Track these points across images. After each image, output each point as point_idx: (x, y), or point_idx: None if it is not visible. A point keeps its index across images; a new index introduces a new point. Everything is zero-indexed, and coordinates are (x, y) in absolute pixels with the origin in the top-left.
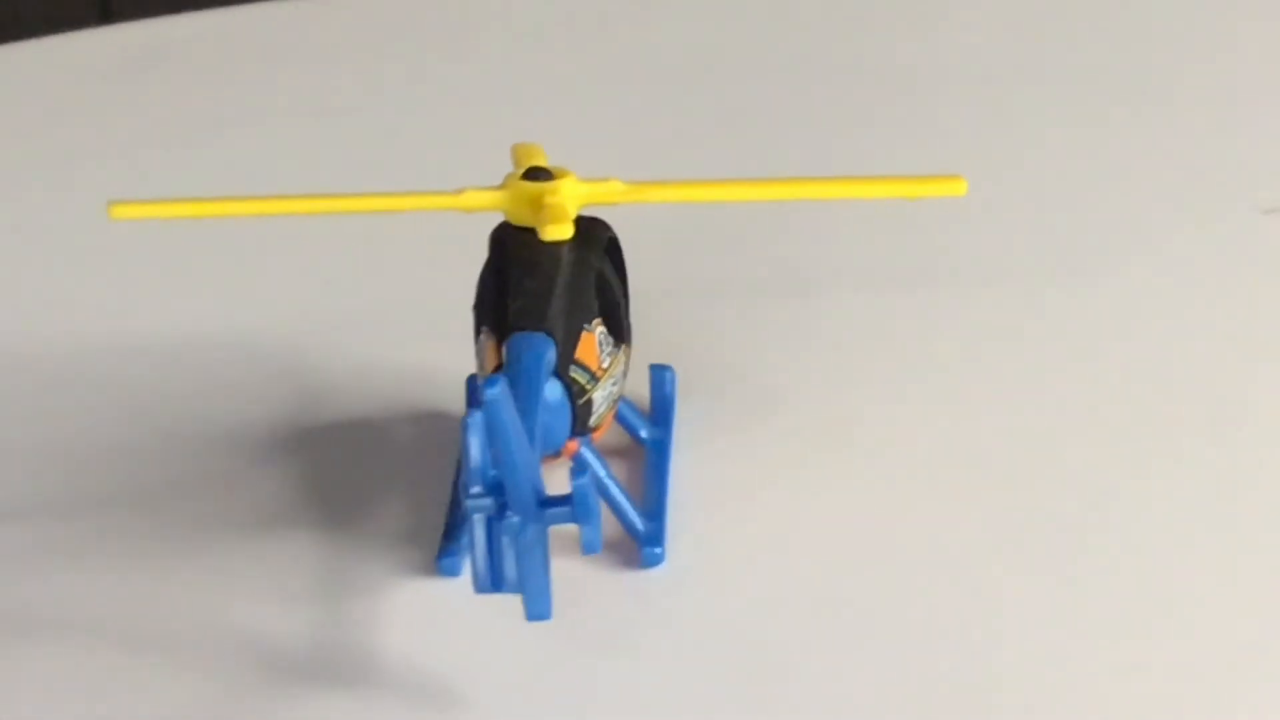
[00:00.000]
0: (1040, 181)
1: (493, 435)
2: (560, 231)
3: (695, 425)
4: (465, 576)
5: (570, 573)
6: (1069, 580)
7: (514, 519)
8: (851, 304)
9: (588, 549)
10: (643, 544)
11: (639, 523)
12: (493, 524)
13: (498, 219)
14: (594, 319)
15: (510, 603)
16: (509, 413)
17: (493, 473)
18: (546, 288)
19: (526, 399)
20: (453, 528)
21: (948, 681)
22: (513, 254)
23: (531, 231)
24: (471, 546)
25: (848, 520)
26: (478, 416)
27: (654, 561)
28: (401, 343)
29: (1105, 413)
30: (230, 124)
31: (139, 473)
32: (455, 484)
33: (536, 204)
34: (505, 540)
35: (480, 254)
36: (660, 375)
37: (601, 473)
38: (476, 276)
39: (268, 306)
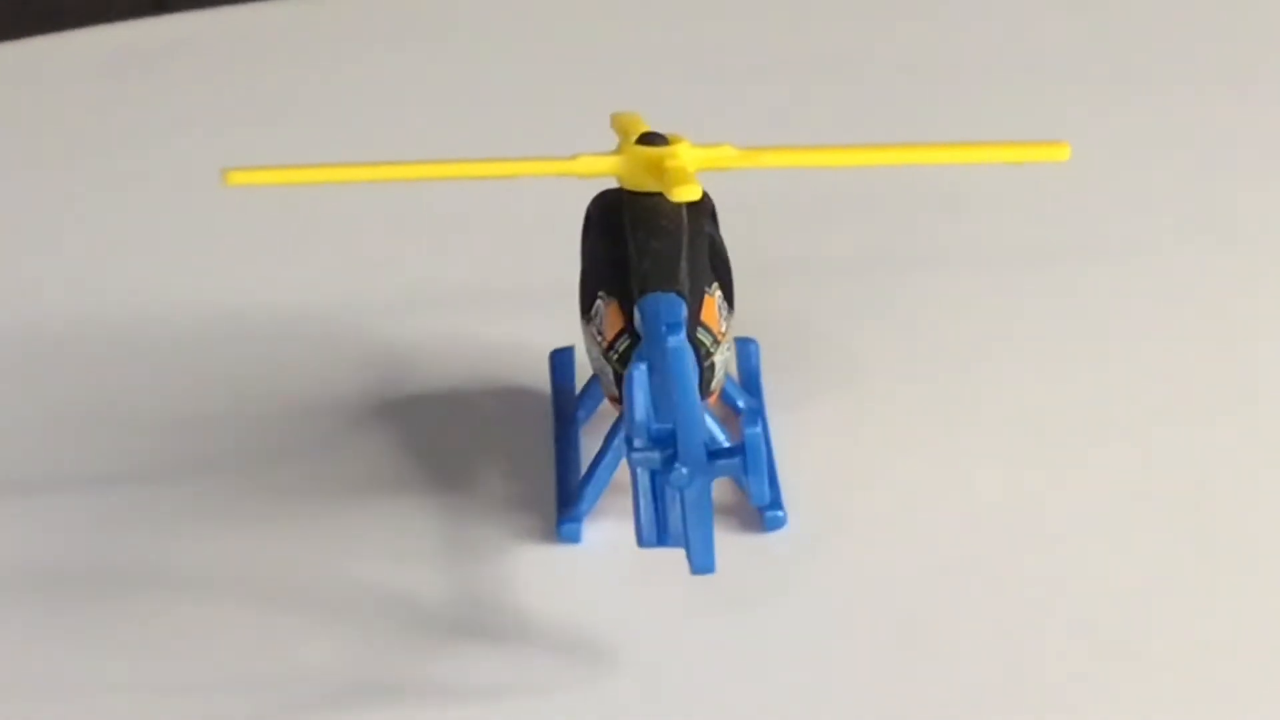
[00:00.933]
0: (1142, 154)
1: (671, 384)
2: (690, 193)
3: (780, 397)
4: (586, 542)
5: None
6: (1190, 533)
7: (682, 470)
8: (929, 281)
9: (756, 500)
10: (766, 508)
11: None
12: (657, 477)
13: (572, 193)
14: (713, 283)
15: (639, 566)
16: (689, 361)
17: (656, 426)
18: (674, 249)
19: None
20: (573, 494)
21: (1081, 639)
22: (632, 218)
23: (649, 196)
24: (636, 499)
25: (957, 482)
26: (643, 370)
27: (778, 524)
28: (482, 318)
29: (1207, 378)
30: (281, 111)
31: (250, 439)
32: (561, 447)
33: (656, 168)
34: (671, 493)
35: (560, 230)
36: (745, 348)
37: (721, 436)
38: (551, 253)
39: (353, 281)
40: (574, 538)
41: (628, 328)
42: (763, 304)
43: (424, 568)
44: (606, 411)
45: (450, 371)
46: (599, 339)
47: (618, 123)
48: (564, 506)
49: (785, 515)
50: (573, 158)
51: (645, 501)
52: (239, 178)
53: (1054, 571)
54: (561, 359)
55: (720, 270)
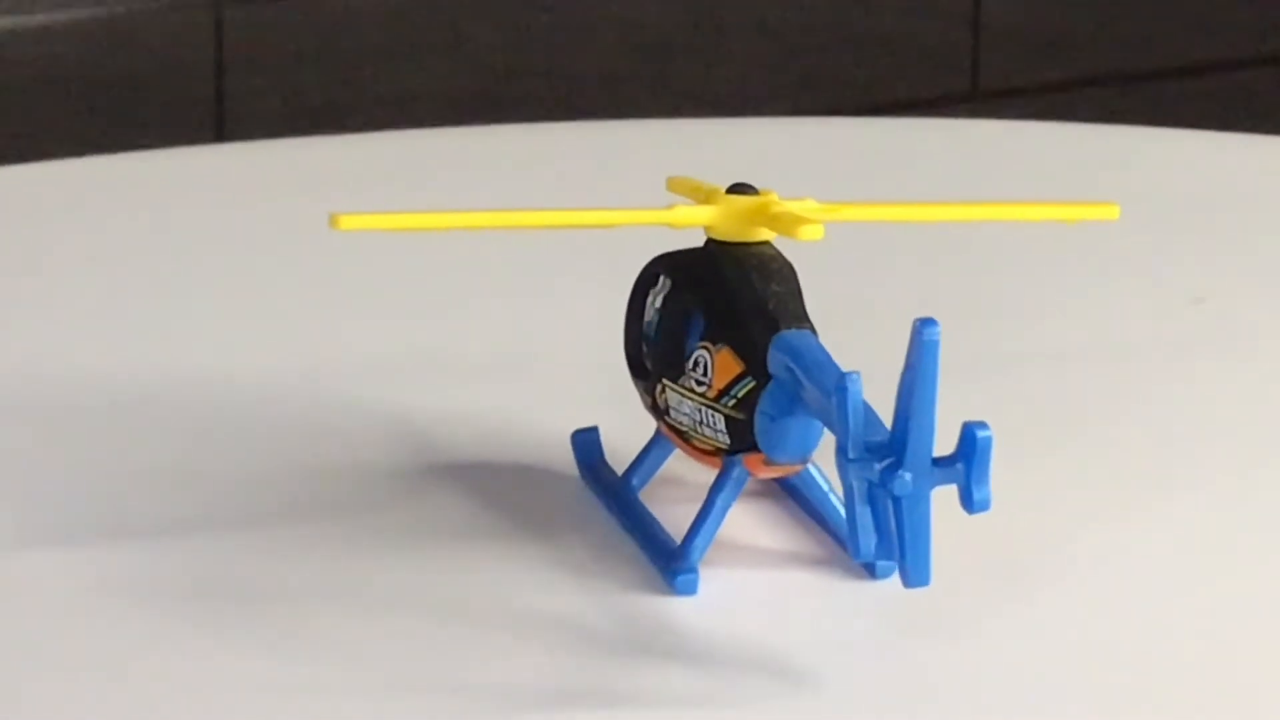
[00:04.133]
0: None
1: (917, 384)
2: (814, 232)
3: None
4: (702, 595)
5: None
6: None
7: (906, 476)
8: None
9: (979, 507)
10: (876, 557)
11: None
12: (874, 490)
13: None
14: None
15: (760, 610)
16: (938, 360)
17: (874, 439)
18: (795, 290)
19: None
20: (672, 549)
21: None
22: (740, 266)
23: (754, 244)
24: (851, 514)
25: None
26: (857, 379)
27: (888, 573)
28: (507, 389)
29: None
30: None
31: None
32: (630, 512)
33: (761, 215)
34: (890, 503)
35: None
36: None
37: (825, 487)
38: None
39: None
40: (691, 589)
41: (749, 370)
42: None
43: (548, 632)
44: (663, 476)
45: (462, 444)
46: (701, 389)
47: (678, 185)
48: (671, 561)
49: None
50: (669, 208)
51: (864, 515)
52: (348, 222)
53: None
54: (585, 438)
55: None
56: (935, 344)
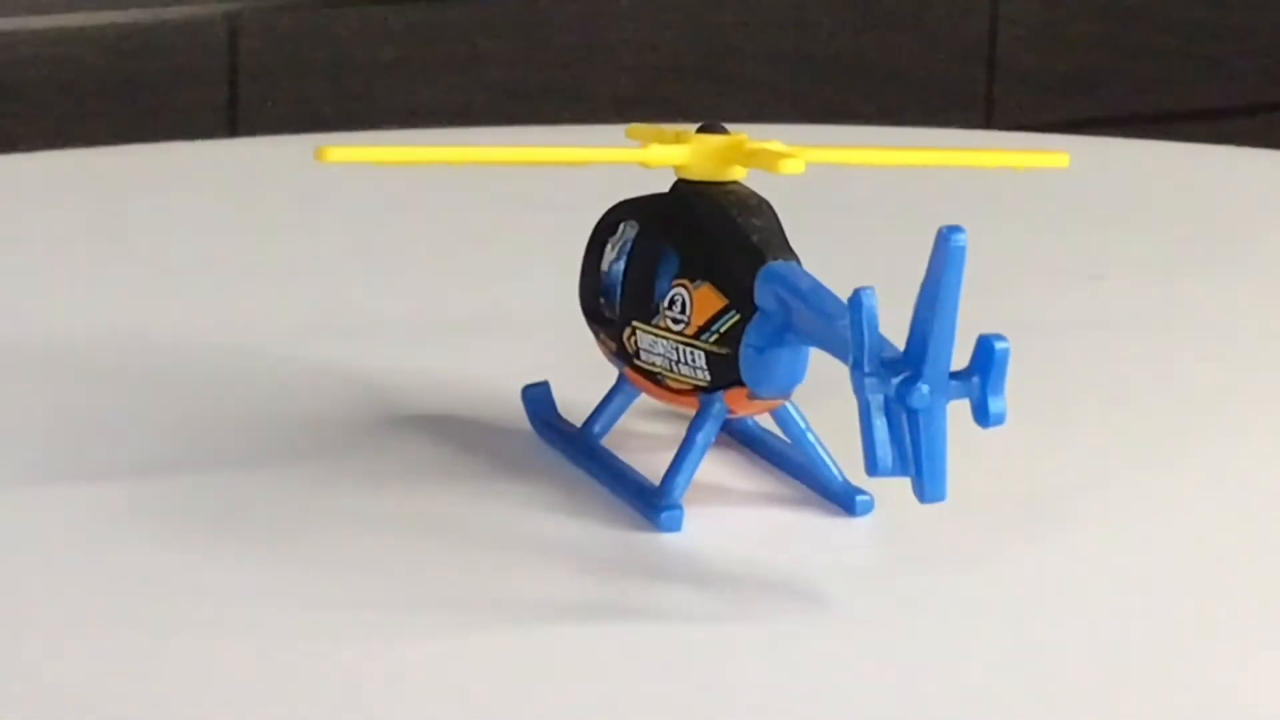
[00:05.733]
0: None
1: (942, 293)
2: (795, 166)
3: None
4: (687, 530)
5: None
6: None
7: (924, 389)
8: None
9: (995, 420)
10: (853, 493)
11: (840, 474)
12: (890, 404)
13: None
14: None
15: (743, 544)
16: (963, 267)
17: (886, 355)
18: (776, 224)
19: (835, 300)
20: (650, 489)
21: None
22: (718, 204)
23: (727, 183)
24: (867, 429)
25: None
26: (872, 293)
27: (867, 509)
28: (461, 347)
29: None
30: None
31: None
32: (596, 458)
33: (731, 154)
34: (906, 417)
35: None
36: None
37: (803, 424)
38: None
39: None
40: (675, 525)
41: (733, 304)
42: None
43: (545, 563)
44: (619, 427)
45: (423, 401)
46: (678, 327)
47: (638, 133)
48: (652, 498)
49: (873, 500)
50: (644, 147)
51: (880, 429)
52: (334, 154)
53: None
54: (536, 393)
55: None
56: (962, 250)
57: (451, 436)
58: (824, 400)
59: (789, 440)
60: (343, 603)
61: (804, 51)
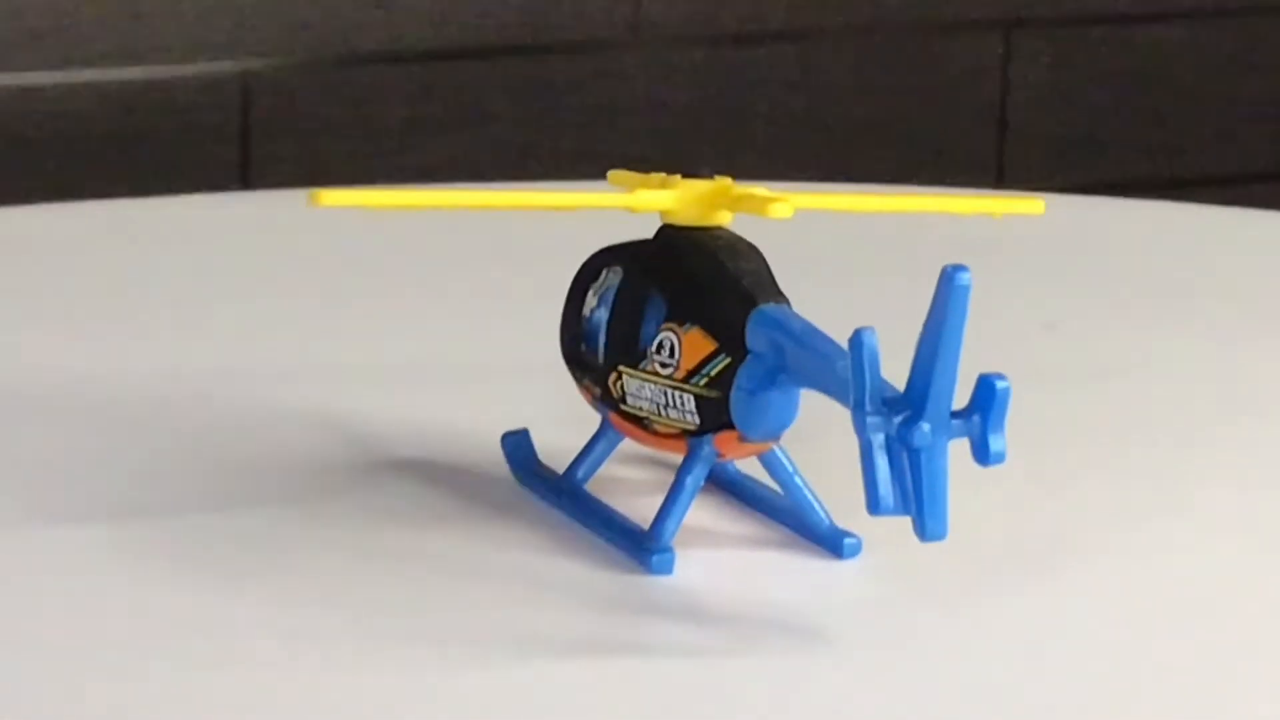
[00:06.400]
0: None
1: (945, 332)
2: (784, 210)
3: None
4: (679, 574)
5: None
6: None
7: (925, 428)
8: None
9: (995, 459)
10: (841, 536)
11: (827, 517)
12: (891, 443)
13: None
14: None
15: (737, 585)
16: (967, 306)
17: (889, 394)
18: (765, 267)
19: (831, 342)
20: (638, 534)
21: None
22: (708, 249)
23: (713, 228)
24: (869, 468)
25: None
26: (873, 333)
27: (854, 552)
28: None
29: None
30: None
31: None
32: (582, 504)
33: (719, 199)
34: (908, 456)
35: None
36: None
37: (791, 468)
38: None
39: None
40: (667, 568)
41: (723, 348)
42: None
43: (537, 604)
44: (601, 474)
45: (408, 447)
46: (666, 371)
47: (620, 178)
48: (643, 541)
49: (860, 542)
50: (631, 192)
51: (883, 469)
52: (328, 198)
53: None
54: (515, 440)
55: None
56: (966, 289)
57: (438, 481)
58: (805, 443)
59: (776, 484)
60: (339, 635)
61: (815, 113)
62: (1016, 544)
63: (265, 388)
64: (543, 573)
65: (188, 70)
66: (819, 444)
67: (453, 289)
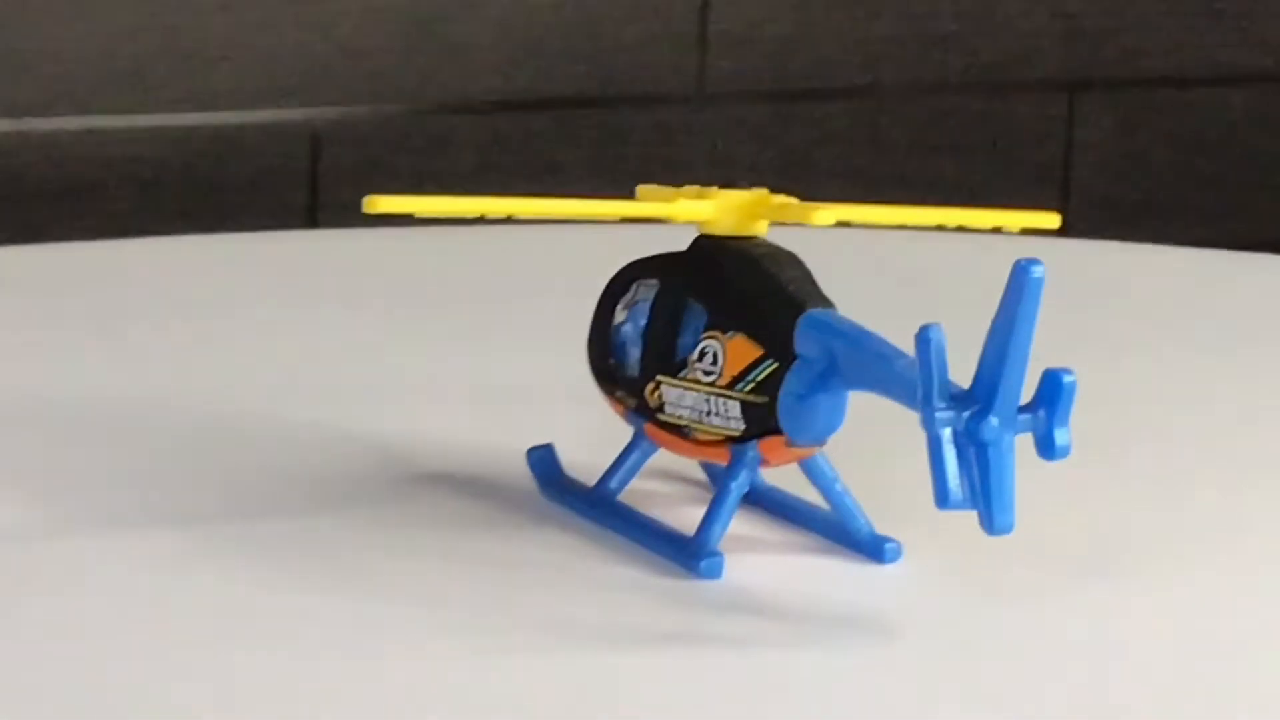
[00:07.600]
0: None
1: (1017, 326)
2: (828, 216)
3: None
4: (727, 577)
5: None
6: None
7: (994, 422)
8: None
9: (1061, 453)
10: (881, 541)
11: (867, 523)
12: (959, 437)
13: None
14: None
15: (785, 584)
16: (1039, 300)
17: (954, 389)
18: (808, 273)
19: (887, 343)
20: (680, 540)
21: None
22: (749, 257)
23: (751, 238)
24: (938, 462)
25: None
26: (939, 330)
27: (896, 556)
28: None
29: None
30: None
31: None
32: (618, 513)
33: (758, 209)
34: (974, 450)
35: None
36: None
37: (832, 474)
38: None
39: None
40: (716, 573)
41: (770, 353)
42: None
43: (587, 602)
44: (636, 484)
45: (443, 462)
46: (709, 379)
47: (650, 193)
48: (688, 547)
49: (900, 546)
50: (672, 201)
51: (951, 463)
52: (381, 204)
53: None
54: (541, 455)
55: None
56: (1040, 282)
57: (482, 493)
58: (841, 448)
59: (816, 489)
60: (403, 625)
61: (879, 170)
62: (1073, 544)
63: (310, 407)
64: (589, 573)
65: (258, 116)
66: (852, 448)
67: (489, 312)
